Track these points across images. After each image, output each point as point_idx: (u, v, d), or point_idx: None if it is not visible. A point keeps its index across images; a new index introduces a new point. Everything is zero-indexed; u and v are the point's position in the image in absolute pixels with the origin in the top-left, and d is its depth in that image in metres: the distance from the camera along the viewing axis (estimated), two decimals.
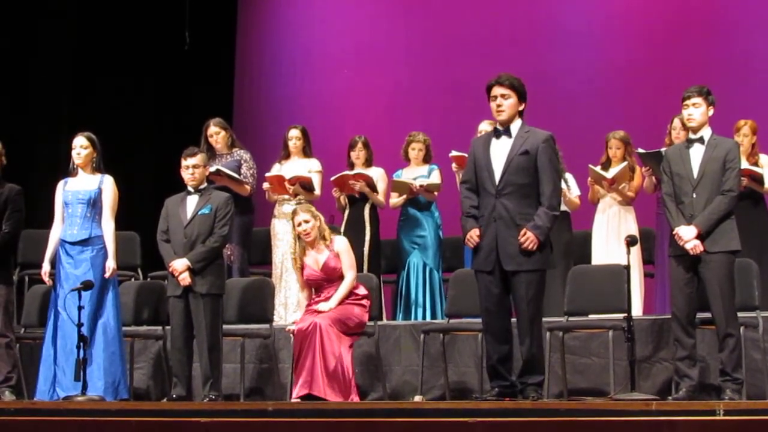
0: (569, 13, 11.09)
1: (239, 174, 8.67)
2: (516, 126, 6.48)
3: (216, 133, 8.81)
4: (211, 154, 8.72)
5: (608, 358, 7.13)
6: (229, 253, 8.48)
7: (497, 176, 6.41)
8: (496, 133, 6.52)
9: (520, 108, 6.48)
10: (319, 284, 7.48)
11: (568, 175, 8.51)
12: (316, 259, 7.47)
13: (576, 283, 7.57)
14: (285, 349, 7.94)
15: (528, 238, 6.29)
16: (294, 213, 7.64)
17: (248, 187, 8.72)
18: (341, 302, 7.35)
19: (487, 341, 6.56)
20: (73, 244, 7.53)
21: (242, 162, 8.76)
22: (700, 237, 6.48)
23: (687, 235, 6.49)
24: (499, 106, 6.45)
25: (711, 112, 6.68)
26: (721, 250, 6.48)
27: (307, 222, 7.47)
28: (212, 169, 8.38)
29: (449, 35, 11.42)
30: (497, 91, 6.46)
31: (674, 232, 6.56)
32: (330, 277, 7.44)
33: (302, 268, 7.49)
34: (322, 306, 7.32)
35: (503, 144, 6.46)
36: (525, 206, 6.36)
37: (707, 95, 6.65)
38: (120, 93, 11.38)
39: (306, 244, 7.48)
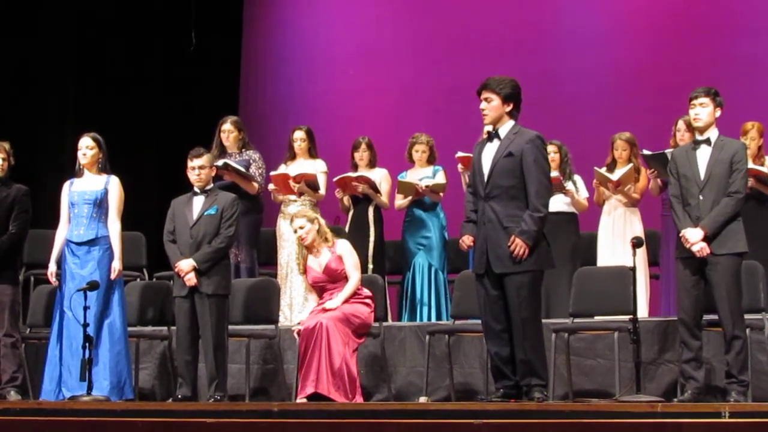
0: (575, 15, 11.07)
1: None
2: (506, 128, 6.44)
3: (230, 131, 8.80)
4: (221, 150, 8.73)
5: (613, 360, 7.13)
6: (236, 253, 8.47)
7: (485, 179, 6.41)
8: (489, 137, 6.52)
9: (507, 109, 6.42)
10: (323, 287, 7.48)
11: (577, 177, 8.52)
12: (318, 262, 7.49)
13: (581, 284, 7.55)
14: (290, 350, 7.95)
15: (517, 245, 6.25)
16: (291, 219, 7.66)
17: (256, 185, 8.70)
18: (346, 301, 7.36)
19: (487, 343, 6.54)
20: (79, 244, 7.54)
21: (251, 162, 8.73)
22: (707, 239, 6.46)
23: (693, 237, 6.48)
24: (482, 110, 6.46)
25: (718, 113, 6.64)
26: (728, 252, 6.46)
27: (302, 228, 7.49)
28: (219, 163, 8.36)
29: (455, 36, 11.41)
30: (482, 95, 6.46)
31: (681, 235, 6.55)
32: (333, 278, 7.44)
33: (306, 272, 7.51)
34: (328, 304, 7.33)
35: (493, 147, 6.45)
36: (513, 208, 6.31)
37: (715, 96, 6.63)
38: (126, 93, 11.38)
39: (305, 248, 7.51)
